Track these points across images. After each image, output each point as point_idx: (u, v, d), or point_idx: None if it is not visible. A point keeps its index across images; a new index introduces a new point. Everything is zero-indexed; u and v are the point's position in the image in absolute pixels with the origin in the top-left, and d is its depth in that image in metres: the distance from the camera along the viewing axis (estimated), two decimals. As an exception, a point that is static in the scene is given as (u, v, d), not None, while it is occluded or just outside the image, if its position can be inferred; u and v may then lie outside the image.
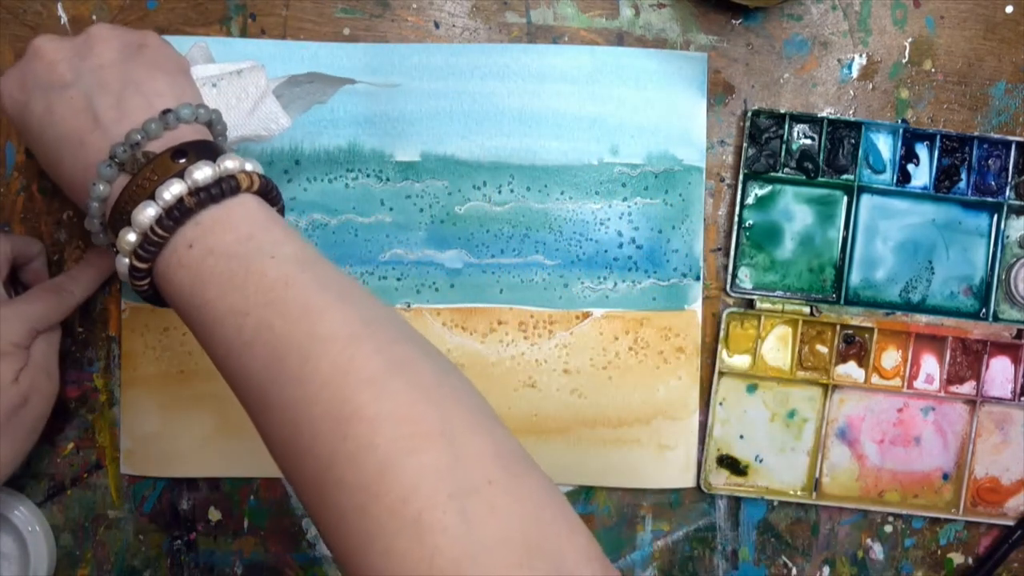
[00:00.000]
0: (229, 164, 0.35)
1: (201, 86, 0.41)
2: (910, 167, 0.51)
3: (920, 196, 0.51)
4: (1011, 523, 0.52)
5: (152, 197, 0.34)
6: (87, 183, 0.37)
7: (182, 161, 0.35)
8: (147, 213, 0.34)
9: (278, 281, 0.33)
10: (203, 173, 0.35)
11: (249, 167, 0.36)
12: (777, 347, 0.52)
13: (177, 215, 0.34)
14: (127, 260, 0.35)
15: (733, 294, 0.51)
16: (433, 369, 0.33)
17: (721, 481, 0.52)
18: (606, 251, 0.51)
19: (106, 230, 0.37)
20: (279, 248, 0.34)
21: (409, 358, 0.32)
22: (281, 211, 0.38)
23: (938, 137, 0.51)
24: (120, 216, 0.35)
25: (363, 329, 0.32)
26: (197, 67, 0.43)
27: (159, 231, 0.34)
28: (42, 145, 0.39)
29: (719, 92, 0.51)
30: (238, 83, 0.42)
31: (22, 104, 0.39)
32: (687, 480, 0.51)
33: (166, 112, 0.36)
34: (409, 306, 0.51)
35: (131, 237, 0.35)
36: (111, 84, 0.37)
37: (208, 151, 0.36)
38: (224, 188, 0.35)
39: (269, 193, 0.37)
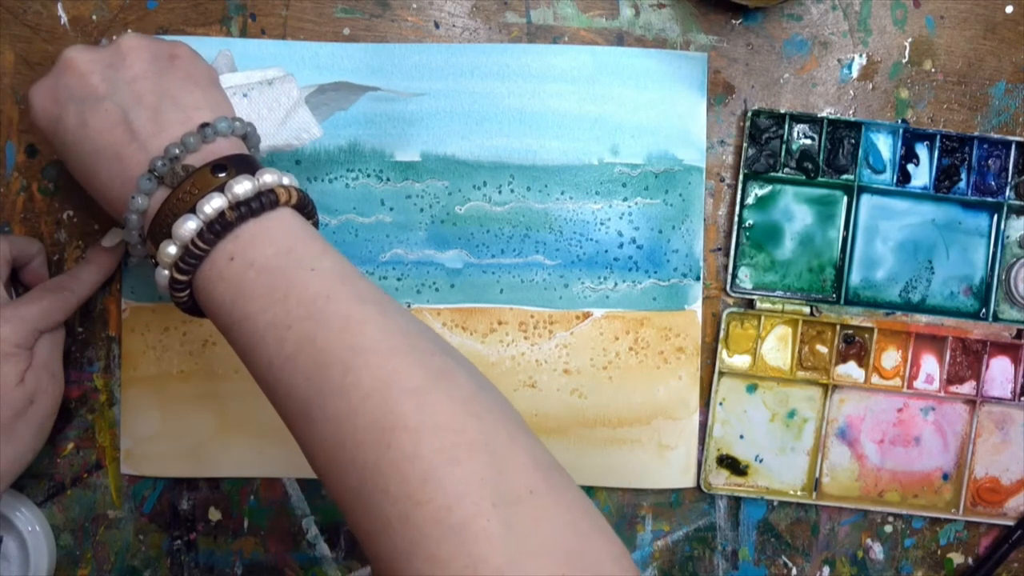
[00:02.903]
0: (268, 178, 0.36)
1: (231, 95, 0.41)
2: (910, 167, 0.51)
3: (920, 196, 0.51)
4: (1011, 523, 0.52)
5: (193, 211, 0.35)
6: (125, 196, 0.37)
7: (222, 175, 0.35)
8: (188, 226, 0.35)
9: (319, 295, 0.34)
10: (243, 187, 0.35)
11: (286, 181, 0.37)
12: (777, 347, 0.52)
13: (218, 229, 0.35)
14: (167, 272, 0.36)
15: (733, 294, 0.51)
16: (470, 381, 0.33)
17: (721, 481, 0.52)
18: (606, 251, 0.51)
19: (144, 242, 0.38)
20: (319, 262, 0.35)
21: (448, 370, 0.33)
22: (316, 224, 0.38)
23: (938, 137, 0.51)
24: (160, 229, 0.36)
25: (403, 341, 0.33)
26: (224, 76, 0.43)
27: (200, 244, 0.35)
28: (76, 158, 0.39)
29: (719, 92, 0.51)
30: (269, 93, 0.42)
31: (55, 117, 0.39)
32: (687, 480, 0.51)
33: (204, 126, 0.37)
34: (409, 306, 0.51)
35: (172, 250, 0.35)
36: (146, 97, 0.38)
37: (247, 165, 0.36)
38: (264, 202, 0.35)
39: (305, 207, 0.37)
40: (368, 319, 0.33)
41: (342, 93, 0.47)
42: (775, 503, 0.52)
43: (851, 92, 0.51)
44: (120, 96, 0.38)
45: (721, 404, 0.52)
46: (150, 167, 0.36)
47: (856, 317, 0.51)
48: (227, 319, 0.35)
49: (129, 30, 0.50)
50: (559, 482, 0.32)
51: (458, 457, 0.30)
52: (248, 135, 0.39)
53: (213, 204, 0.35)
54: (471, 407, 0.32)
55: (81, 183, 0.40)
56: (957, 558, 0.53)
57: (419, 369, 0.32)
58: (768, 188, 0.51)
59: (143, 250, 0.38)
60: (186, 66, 0.40)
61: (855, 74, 0.51)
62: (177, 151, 0.36)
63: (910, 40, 0.51)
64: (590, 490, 0.52)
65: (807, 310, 0.51)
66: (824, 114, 0.51)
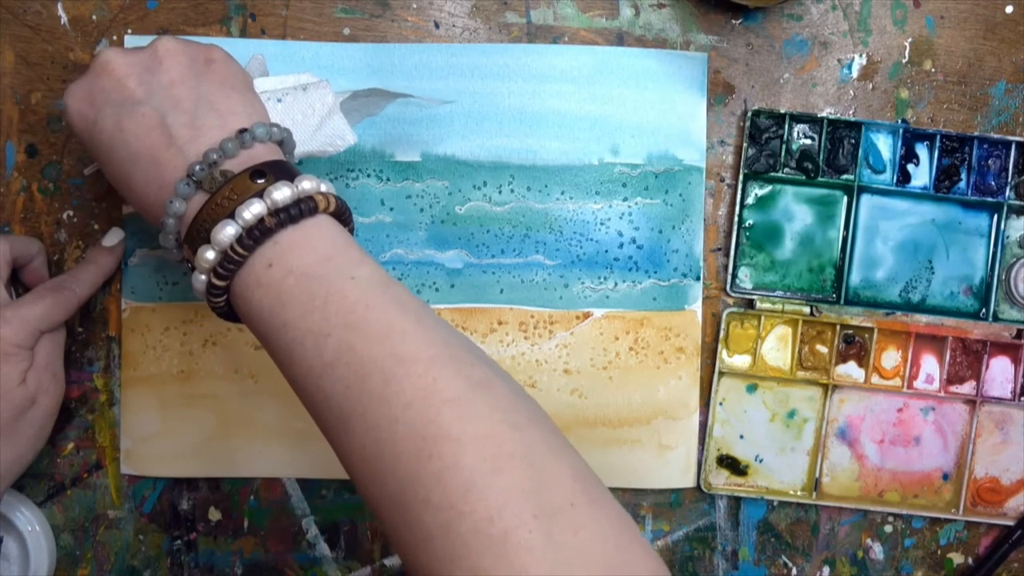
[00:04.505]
0: (306, 185, 0.36)
1: (265, 100, 0.41)
2: (910, 167, 0.51)
3: (920, 196, 0.51)
4: (1011, 523, 0.52)
5: (232, 216, 0.35)
6: (161, 200, 0.37)
7: (260, 181, 0.35)
8: (227, 232, 0.35)
9: (359, 303, 0.34)
10: (282, 194, 0.35)
11: (324, 188, 0.37)
12: (777, 347, 0.52)
13: (257, 235, 0.34)
14: (204, 277, 0.36)
15: (733, 294, 0.51)
16: (509, 391, 0.33)
17: (721, 481, 0.52)
18: (606, 251, 0.51)
19: (180, 247, 0.38)
20: (358, 270, 0.35)
21: (488, 380, 0.33)
22: (352, 231, 0.38)
23: (938, 137, 0.51)
24: (197, 234, 0.36)
25: (444, 351, 0.33)
26: (258, 80, 0.43)
27: (239, 250, 0.35)
28: (112, 161, 0.39)
29: (719, 92, 0.51)
30: (304, 99, 0.42)
31: (90, 120, 0.39)
32: (687, 480, 0.51)
33: (243, 131, 0.37)
34: (409, 306, 0.51)
35: (210, 255, 0.35)
36: (184, 101, 0.38)
37: (285, 171, 0.36)
38: (303, 209, 0.35)
39: (343, 214, 0.37)
40: (408, 328, 0.33)
41: (373, 99, 0.47)
42: (775, 503, 0.52)
43: (851, 92, 0.51)
44: (157, 100, 0.38)
45: (721, 404, 0.52)
46: (188, 172, 0.36)
47: (856, 317, 0.51)
48: (265, 326, 0.35)
49: (129, 30, 0.50)
50: (599, 495, 0.32)
51: (500, 468, 0.30)
52: (284, 141, 0.39)
53: (252, 210, 0.35)
54: (512, 418, 0.32)
55: (116, 187, 0.40)
56: (957, 558, 0.53)
57: (460, 379, 0.32)
58: (768, 188, 0.51)
59: (179, 254, 0.38)
60: (222, 70, 0.39)
61: (855, 74, 0.51)
62: (216, 156, 0.36)
63: (910, 40, 0.51)
64: (590, 490, 0.52)
65: (807, 310, 0.51)
66: (824, 114, 0.51)
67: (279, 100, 0.42)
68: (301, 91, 0.42)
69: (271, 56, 0.49)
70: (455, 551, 0.30)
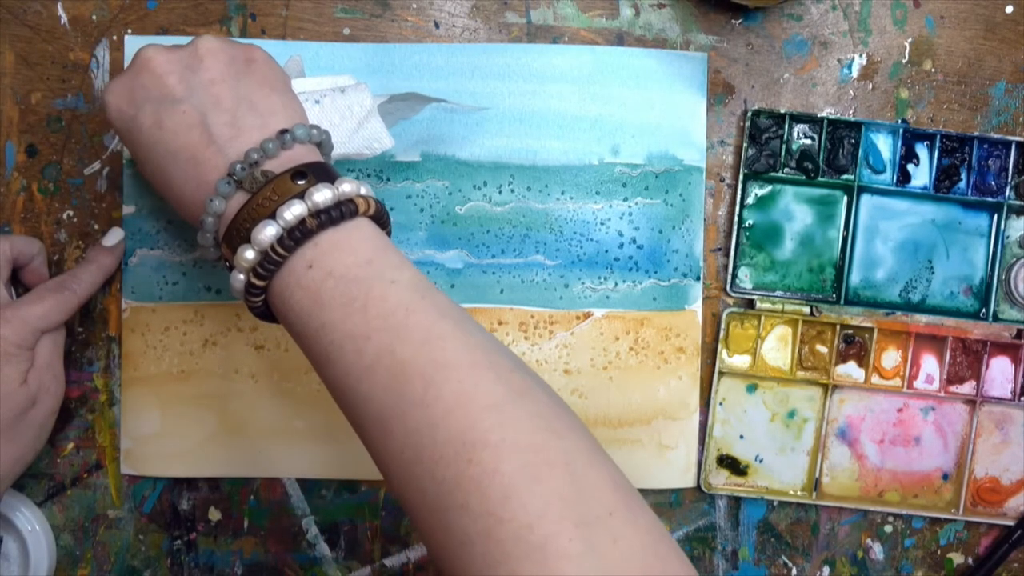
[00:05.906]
0: (347, 187, 0.36)
1: (303, 101, 0.41)
2: (910, 167, 0.51)
3: (920, 196, 0.51)
4: (1011, 523, 0.52)
5: (272, 216, 0.35)
6: (201, 198, 0.37)
7: (301, 182, 0.35)
8: (268, 232, 0.35)
9: (399, 307, 0.34)
10: (323, 195, 0.35)
11: (364, 191, 0.37)
12: (777, 347, 0.52)
13: (298, 236, 0.34)
14: (243, 277, 0.36)
15: (733, 294, 0.51)
16: (549, 399, 0.33)
17: (721, 481, 0.52)
18: (607, 251, 0.51)
19: (218, 245, 0.38)
20: (398, 274, 0.35)
21: (528, 387, 0.33)
22: (389, 234, 0.38)
23: (938, 137, 0.51)
24: (237, 233, 0.36)
25: (484, 357, 0.33)
26: (295, 81, 0.43)
27: (279, 250, 0.35)
28: (151, 159, 0.39)
29: (719, 92, 0.51)
30: (342, 101, 0.42)
31: (130, 117, 0.39)
32: (687, 480, 0.51)
33: (283, 132, 0.37)
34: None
35: (250, 255, 0.35)
36: (224, 100, 0.38)
37: (325, 173, 0.36)
38: (344, 211, 0.35)
39: (381, 217, 0.37)
40: (448, 334, 0.33)
41: (409, 103, 0.47)
42: (775, 503, 0.52)
43: (851, 92, 0.51)
44: (198, 98, 0.38)
45: (721, 404, 0.52)
46: (229, 171, 0.36)
47: (856, 317, 0.51)
48: (303, 327, 0.35)
49: (129, 30, 0.50)
50: (637, 505, 0.32)
51: (539, 475, 0.30)
52: (323, 143, 0.39)
53: (294, 211, 0.35)
54: (552, 425, 0.32)
55: (153, 184, 0.40)
56: (957, 558, 0.53)
57: (500, 386, 0.32)
58: (768, 188, 0.51)
59: (215, 252, 0.39)
60: (263, 70, 0.39)
61: (855, 74, 0.51)
62: (257, 156, 0.36)
63: (910, 40, 0.51)
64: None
65: (807, 310, 0.51)
66: (824, 114, 0.51)
67: (317, 101, 0.42)
68: (339, 93, 0.43)
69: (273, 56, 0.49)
70: (493, 557, 0.30)
